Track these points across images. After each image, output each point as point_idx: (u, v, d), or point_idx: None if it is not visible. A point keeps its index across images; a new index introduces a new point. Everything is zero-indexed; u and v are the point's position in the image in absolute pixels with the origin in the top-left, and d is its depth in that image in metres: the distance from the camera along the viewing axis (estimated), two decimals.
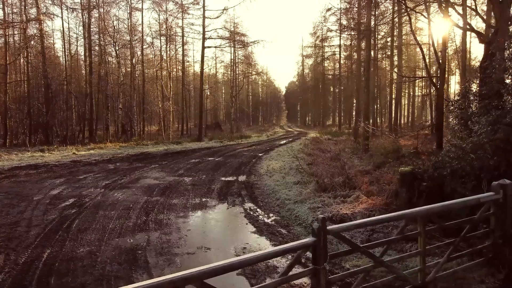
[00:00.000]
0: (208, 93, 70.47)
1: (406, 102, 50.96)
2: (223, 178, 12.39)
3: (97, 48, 29.99)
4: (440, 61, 9.36)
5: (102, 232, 6.86)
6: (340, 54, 49.29)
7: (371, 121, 29.59)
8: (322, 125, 60.05)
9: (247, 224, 7.53)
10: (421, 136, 24.51)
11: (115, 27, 29.07)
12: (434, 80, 10.15)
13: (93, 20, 30.39)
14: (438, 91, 9.51)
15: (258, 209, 8.64)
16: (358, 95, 23.45)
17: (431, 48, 22.45)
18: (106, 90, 28.14)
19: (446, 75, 24.67)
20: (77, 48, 35.03)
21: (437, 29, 11.26)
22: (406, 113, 50.83)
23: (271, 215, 8.21)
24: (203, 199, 9.50)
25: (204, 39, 30.81)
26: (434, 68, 28.84)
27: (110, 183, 11.40)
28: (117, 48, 28.42)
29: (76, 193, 9.92)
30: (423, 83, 56.59)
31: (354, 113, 61.33)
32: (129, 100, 30.21)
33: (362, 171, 11.80)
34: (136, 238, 6.58)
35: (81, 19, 30.47)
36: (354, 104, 57.37)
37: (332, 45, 51.28)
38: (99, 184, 11.23)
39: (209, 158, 17.60)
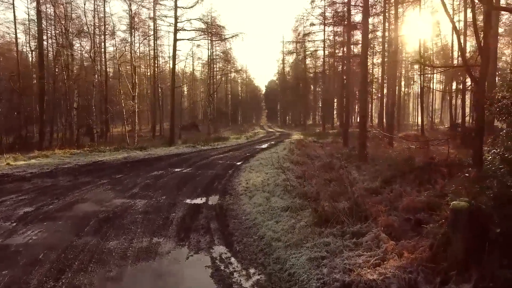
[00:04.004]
0: (185, 92, 67.23)
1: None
2: (188, 201, 9.46)
3: (52, 40, 26.36)
4: (482, 45, 6.78)
5: None
6: (324, 50, 47.03)
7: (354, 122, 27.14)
8: (303, 125, 58.03)
9: None
10: (419, 139, 22.31)
11: (71, 15, 25.43)
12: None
13: (53, 10, 26.83)
14: (478, 86, 6.96)
15: (232, 259, 5.82)
16: (347, 93, 20.96)
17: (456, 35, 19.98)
18: (60, 88, 24.50)
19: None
20: (43, 41, 31.01)
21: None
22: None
23: (251, 271, 5.41)
24: (154, 240, 6.59)
25: (176, 30, 27.63)
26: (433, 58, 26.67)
27: (32, 211, 8.29)
28: (71, 37, 24.77)
29: None
30: (412, 81, 55.21)
31: (336, 114, 59.51)
32: (89, 99, 26.64)
33: (368, 190, 9.18)
34: None
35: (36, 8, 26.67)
36: (335, 104, 55.42)
37: (316, 40, 49.07)
38: (15, 213, 8.11)
39: (176, 169, 14.59)
